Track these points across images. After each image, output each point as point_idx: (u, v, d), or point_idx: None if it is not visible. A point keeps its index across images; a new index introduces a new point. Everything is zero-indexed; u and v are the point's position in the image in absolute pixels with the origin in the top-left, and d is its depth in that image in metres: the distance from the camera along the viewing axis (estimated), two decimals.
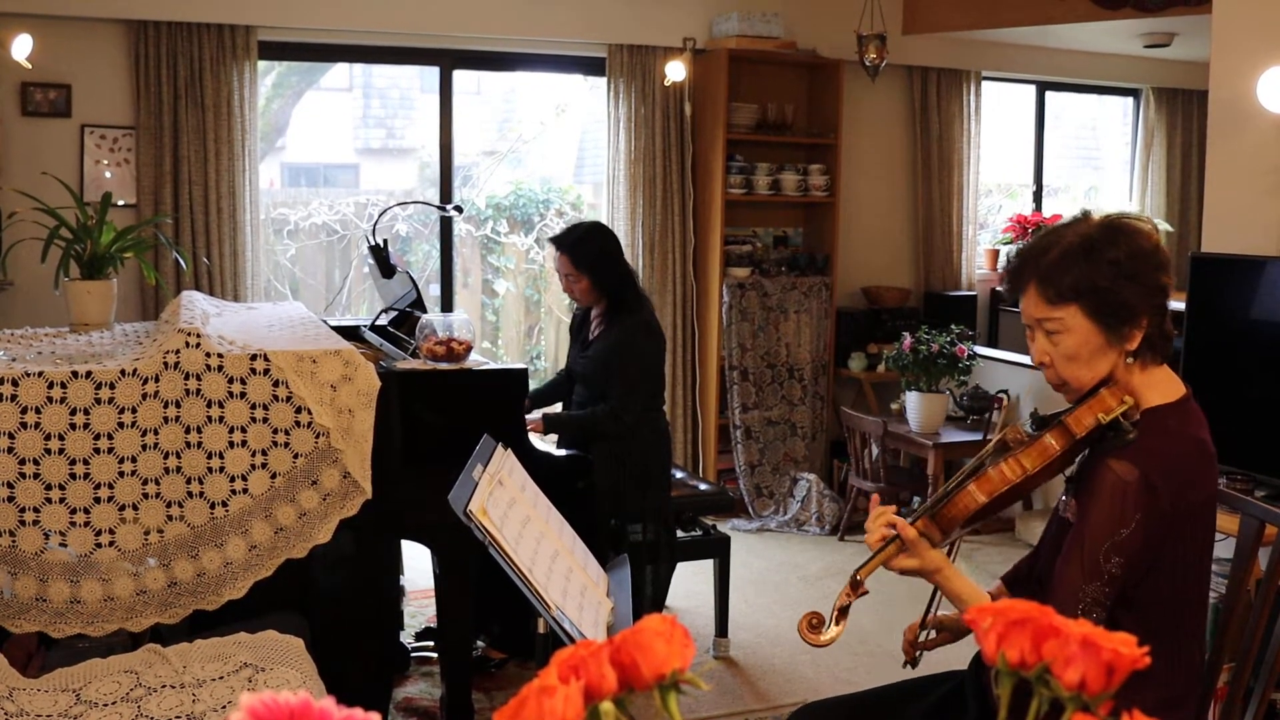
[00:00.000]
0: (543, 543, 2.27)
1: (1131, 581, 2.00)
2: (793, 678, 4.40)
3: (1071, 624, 0.78)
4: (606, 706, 0.76)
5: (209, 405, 3.00)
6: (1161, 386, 2.07)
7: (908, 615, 4.99)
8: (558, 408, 4.59)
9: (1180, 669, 2.09)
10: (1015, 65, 7.36)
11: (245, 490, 3.04)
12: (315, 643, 2.90)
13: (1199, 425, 2.06)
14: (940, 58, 7.07)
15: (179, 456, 2.98)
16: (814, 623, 2.13)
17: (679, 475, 4.87)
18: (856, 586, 2.13)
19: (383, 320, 4.42)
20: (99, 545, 2.92)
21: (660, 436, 4.41)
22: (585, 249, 4.24)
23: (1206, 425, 2.08)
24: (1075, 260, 1.99)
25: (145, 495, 2.95)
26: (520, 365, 3.75)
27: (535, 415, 4.23)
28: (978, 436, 5.81)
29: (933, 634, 2.37)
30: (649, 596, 4.31)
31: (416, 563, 5.14)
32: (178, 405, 2.98)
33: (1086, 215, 2.08)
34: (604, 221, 6.50)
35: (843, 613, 2.12)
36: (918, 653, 2.35)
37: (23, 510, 2.85)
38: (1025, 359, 6.17)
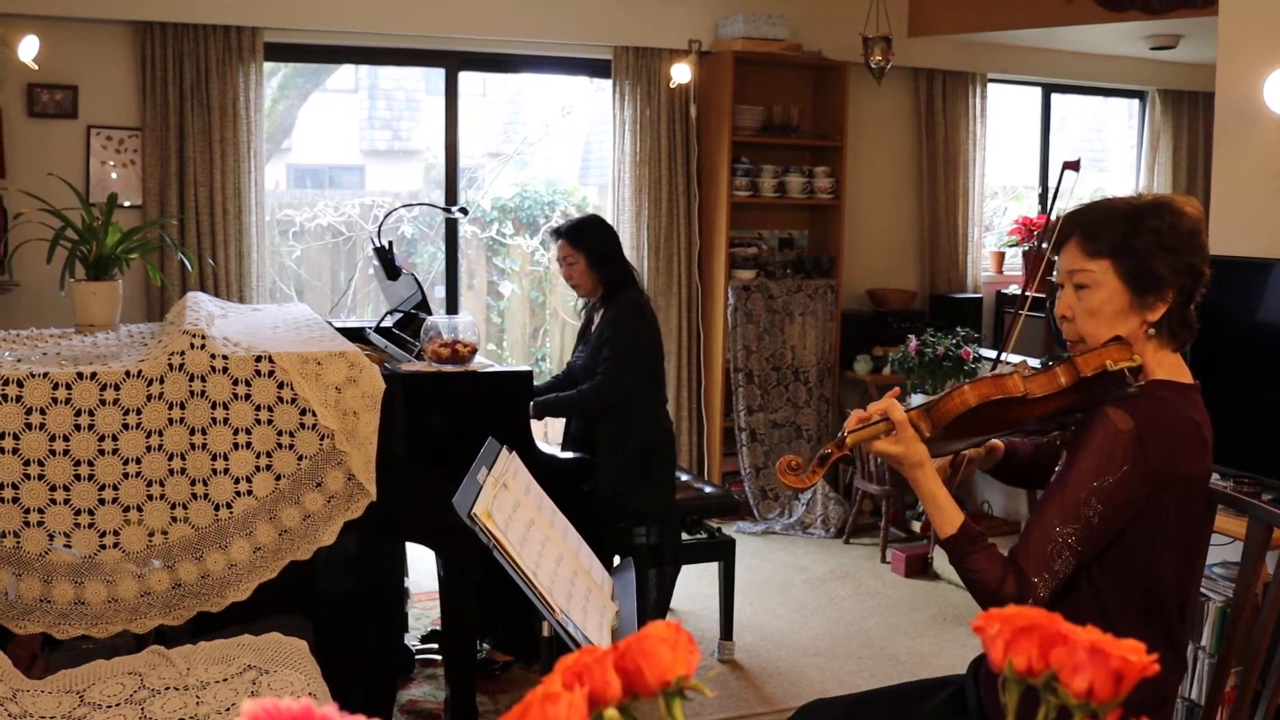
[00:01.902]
0: (547, 546, 2.27)
1: (1103, 537, 2.02)
2: (797, 681, 4.39)
3: (1080, 631, 0.77)
4: (611, 713, 0.76)
5: (213, 407, 3.00)
6: (1171, 369, 2.13)
7: (912, 620, 4.99)
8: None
9: (1164, 665, 2.10)
10: (1021, 67, 7.35)
11: (249, 492, 3.04)
12: (319, 645, 2.90)
13: (1199, 412, 2.11)
14: (945, 60, 7.06)
15: (183, 458, 2.98)
16: (793, 465, 2.12)
17: (684, 478, 4.87)
18: (842, 445, 2.12)
19: (388, 322, 4.42)
20: (103, 546, 2.92)
21: (663, 436, 4.41)
22: (582, 232, 4.43)
23: (1207, 418, 2.12)
24: (1118, 221, 2.07)
25: (150, 497, 2.95)
26: (525, 367, 3.75)
27: None
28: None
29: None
30: (653, 600, 4.31)
31: (421, 565, 5.14)
32: (182, 407, 2.97)
33: (1139, 195, 2.16)
34: (609, 223, 6.51)
35: (821, 461, 2.12)
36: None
37: (27, 511, 2.85)
38: (1032, 360, 6.15)
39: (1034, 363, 2.32)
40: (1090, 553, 2.03)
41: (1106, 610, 2.07)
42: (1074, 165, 2.22)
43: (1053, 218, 2.23)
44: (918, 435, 2.08)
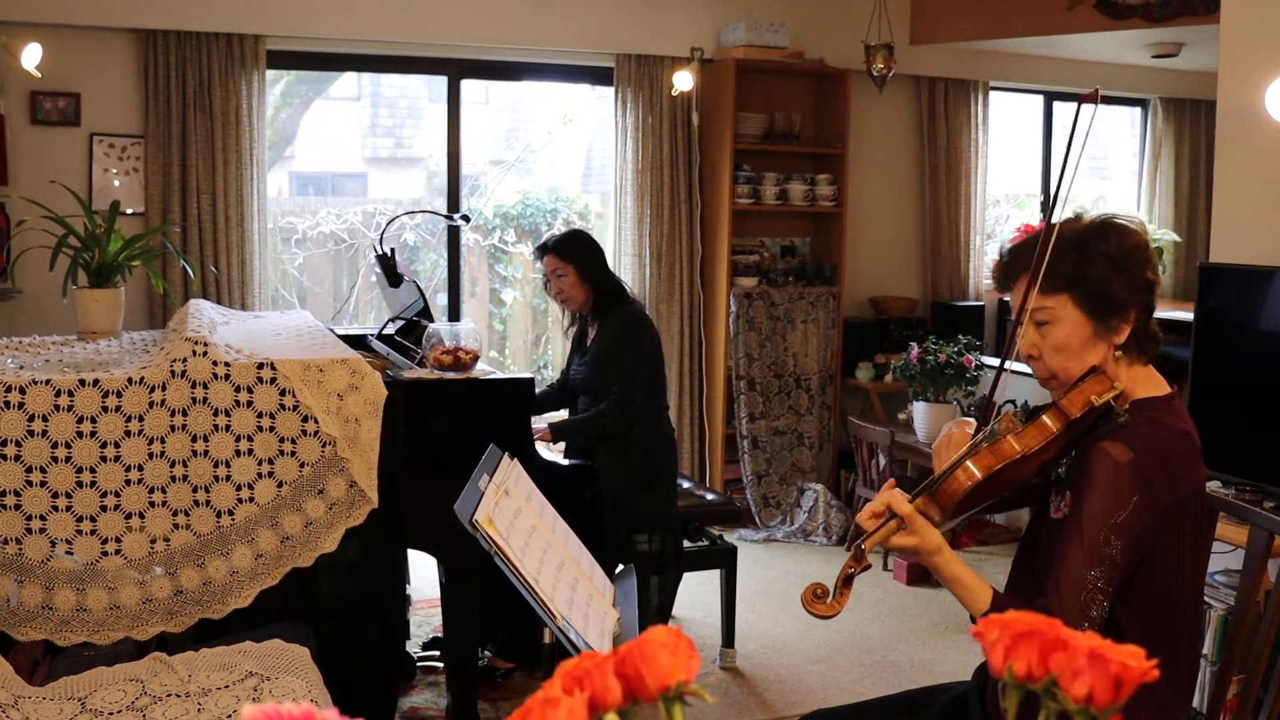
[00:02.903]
0: (549, 552, 2.27)
1: (1127, 571, 1.99)
2: (799, 688, 4.38)
3: (1079, 636, 0.77)
4: (611, 718, 0.76)
5: (216, 414, 3.01)
6: (1147, 383, 2.11)
7: (914, 628, 4.98)
8: (563, 415, 4.59)
9: (1180, 675, 2.09)
10: (1023, 75, 7.35)
11: (251, 499, 3.04)
12: (321, 652, 2.90)
13: (1185, 421, 2.09)
14: (948, 67, 7.07)
15: (185, 465, 2.98)
16: (818, 593, 2.07)
17: (686, 485, 4.86)
18: (860, 558, 2.08)
19: (389, 329, 4.42)
20: (105, 553, 2.92)
21: (665, 440, 4.41)
22: (566, 244, 4.42)
23: (1191, 422, 2.10)
24: (1068, 252, 2.03)
25: (152, 503, 2.95)
26: (527, 375, 3.75)
27: (541, 424, 4.24)
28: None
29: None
30: (655, 607, 4.30)
31: (423, 572, 5.14)
32: (185, 414, 2.98)
33: (1079, 216, 2.13)
34: (611, 231, 6.53)
35: (846, 582, 2.07)
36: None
37: (29, 518, 2.85)
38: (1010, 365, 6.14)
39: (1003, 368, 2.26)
40: (1116, 589, 1.99)
41: (1124, 636, 2.02)
42: (1091, 97, 1.99)
43: (1072, 159, 2.13)
44: (929, 522, 2.04)
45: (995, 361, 6.37)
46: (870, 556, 2.12)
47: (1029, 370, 2.18)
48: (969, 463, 2.04)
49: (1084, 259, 2.03)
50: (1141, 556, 2.00)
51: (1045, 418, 2.04)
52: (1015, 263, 2.12)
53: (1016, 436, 2.03)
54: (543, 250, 4.44)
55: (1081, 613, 1.94)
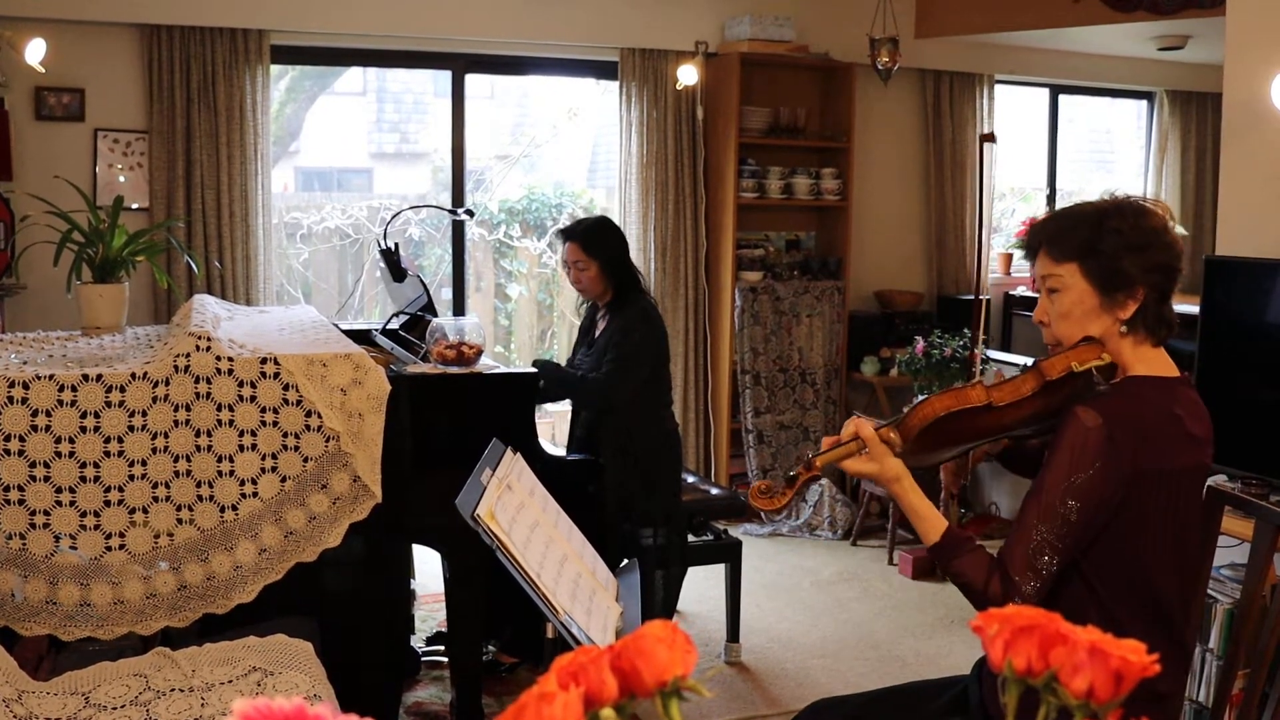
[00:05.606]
0: (551, 547, 2.26)
1: (1084, 535, 2.03)
2: (804, 682, 4.38)
3: (1080, 631, 0.77)
4: (607, 713, 0.75)
5: (219, 408, 3.01)
6: (1152, 364, 2.14)
7: (920, 622, 4.98)
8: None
9: (1164, 661, 2.08)
10: (1028, 68, 7.33)
11: (255, 494, 3.04)
12: (325, 647, 2.90)
13: (1183, 405, 2.10)
14: (953, 61, 7.05)
15: (189, 460, 2.98)
16: (763, 489, 2.22)
17: (691, 479, 4.86)
18: (810, 466, 2.18)
19: (394, 324, 4.42)
20: (109, 548, 2.92)
21: (669, 438, 4.39)
22: (594, 236, 4.28)
23: (1197, 413, 2.11)
24: (1083, 225, 2.11)
25: (155, 498, 2.95)
26: (530, 369, 3.75)
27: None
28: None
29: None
30: (660, 601, 4.30)
31: (427, 566, 5.14)
32: (188, 408, 2.98)
33: (1107, 197, 2.19)
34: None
35: (790, 482, 2.19)
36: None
37: (33, 513, 2.86)
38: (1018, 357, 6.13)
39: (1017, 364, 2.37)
40: (1074, 549, 2.05)
41: (1104, 605, 2.08)
42: (989, 137, 2.57)
43: (983, 195, 2.38)
44: (889, 450, 2.12)
45: (1001, 355, 6.37)
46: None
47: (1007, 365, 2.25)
48: (932, 399, 2.14)
49: (1096, 232, 2.09)
50: (1104, 524, 2.04)
51: (1022, 375, 2.12)
52: (1038, 232, 2.20)
53: (987, 387, 2.11)
54: (567, 236, 4.28)
55: (1028, 561, 2.02)
